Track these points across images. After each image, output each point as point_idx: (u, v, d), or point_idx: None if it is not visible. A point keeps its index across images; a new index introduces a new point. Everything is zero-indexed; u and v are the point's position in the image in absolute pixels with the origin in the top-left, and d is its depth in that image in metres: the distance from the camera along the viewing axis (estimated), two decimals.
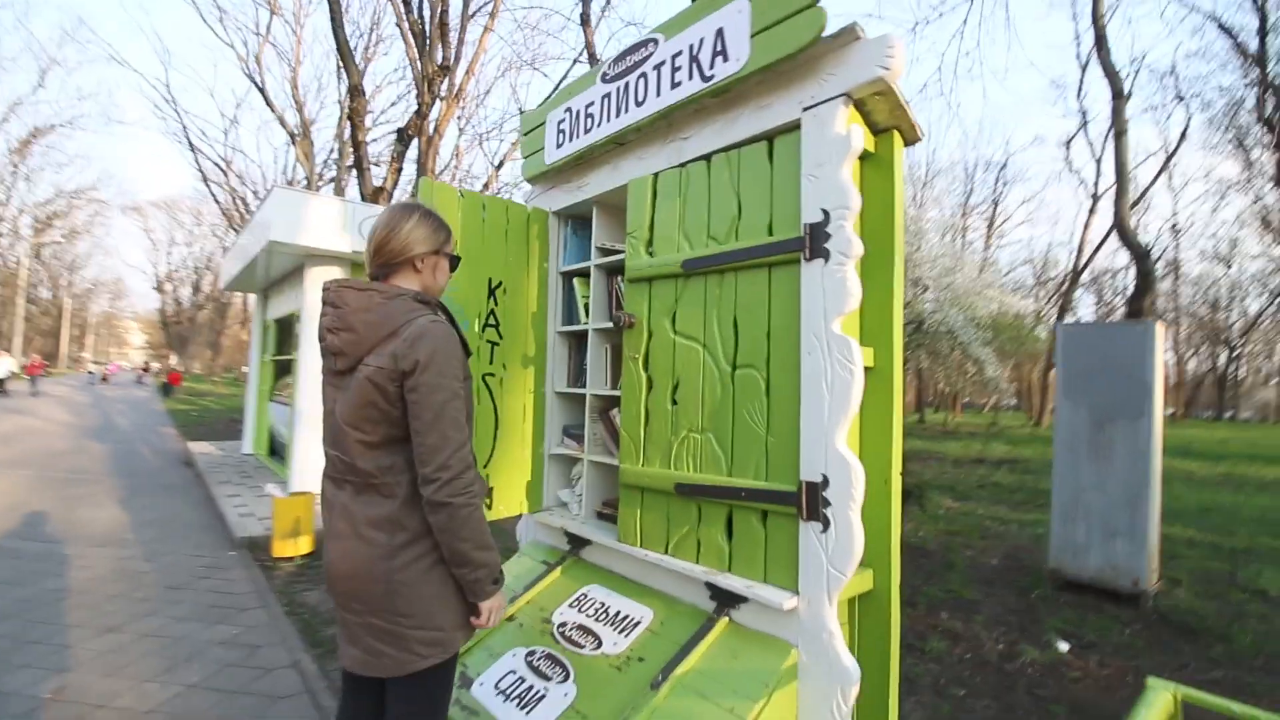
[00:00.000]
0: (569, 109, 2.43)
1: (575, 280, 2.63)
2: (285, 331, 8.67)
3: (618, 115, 2.20)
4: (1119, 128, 10.68)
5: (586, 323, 2.54)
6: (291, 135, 18.81)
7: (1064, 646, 3.38)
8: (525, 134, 2.70)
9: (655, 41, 2.04)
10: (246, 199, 22.54)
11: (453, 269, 1.59)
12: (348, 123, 11.97)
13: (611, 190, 2.35)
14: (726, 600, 1.80)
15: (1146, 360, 4.13)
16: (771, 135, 1.80)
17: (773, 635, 1.69)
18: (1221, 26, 10.64)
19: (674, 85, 1.97)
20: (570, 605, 2.09)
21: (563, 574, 2.29)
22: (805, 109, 1.70)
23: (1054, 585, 4.35)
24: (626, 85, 2.15)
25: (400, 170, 11.79)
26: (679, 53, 1.95)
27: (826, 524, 1.59)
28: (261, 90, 17.57)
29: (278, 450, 8.67)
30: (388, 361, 1.32)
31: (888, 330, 1.74)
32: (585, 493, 2.48)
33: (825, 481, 1.59)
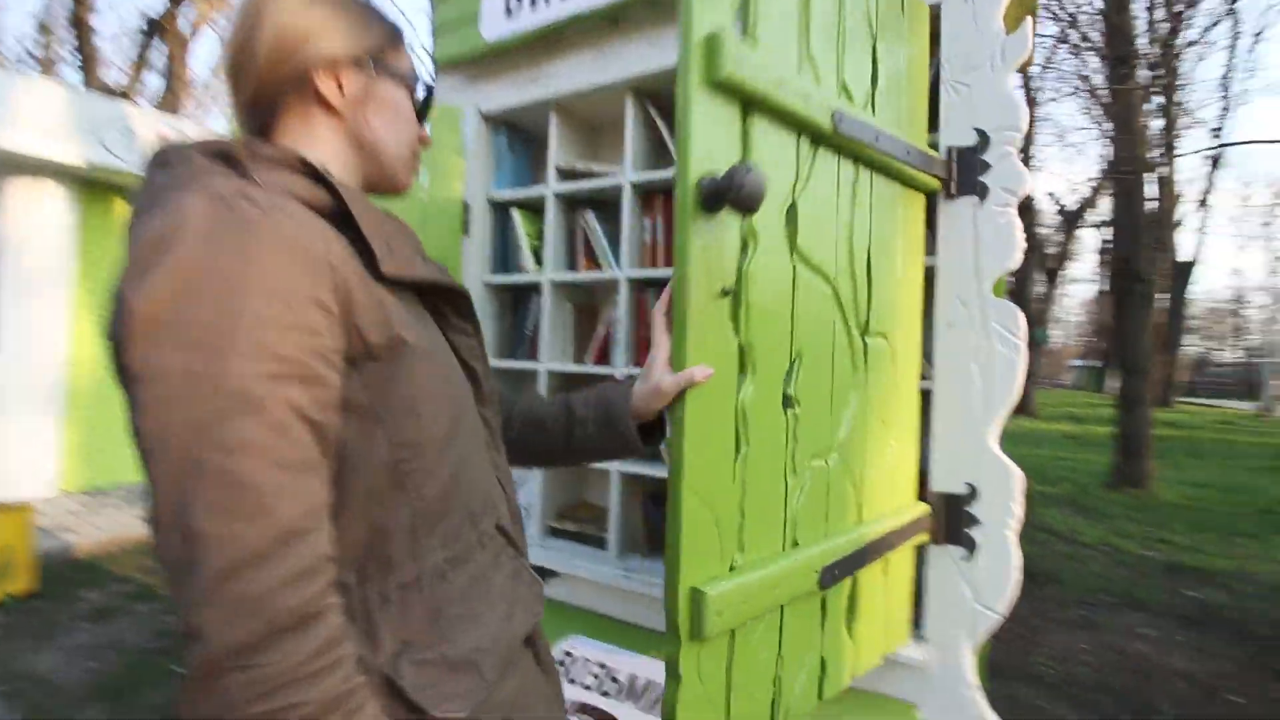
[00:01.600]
0: None
1: (516, 213, 1.92)
2: None
3: None
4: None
5: (538, 272, 1.85)
6: None
7: None
8: None
9: None
10: None
11: (422, 113, 0.70)
12: None
13: (591, 90, 1.68)
14: None
15: None
16: None
17: (878, 693, 1.28)
18: None
19: None
20: None
21: None
22: None
23: None
24: None
25: (143, 69, 9.08)
26: None
27: (972, 548, 1.21)
28: None
29: None
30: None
31: None
32: (537, 503, 1.84)
33: (972, 493, 1.21)
